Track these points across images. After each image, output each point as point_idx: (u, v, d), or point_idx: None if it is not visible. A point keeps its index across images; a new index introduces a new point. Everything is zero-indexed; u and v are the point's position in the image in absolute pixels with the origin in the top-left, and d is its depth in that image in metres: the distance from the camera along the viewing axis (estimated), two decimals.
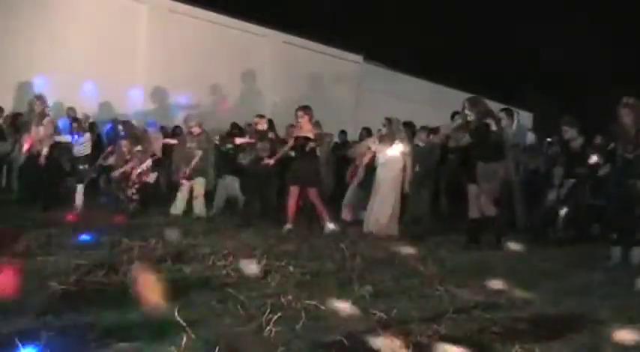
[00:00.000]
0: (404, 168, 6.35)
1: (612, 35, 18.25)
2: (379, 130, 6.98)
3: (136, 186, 7.38)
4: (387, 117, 6.59)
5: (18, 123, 8.85)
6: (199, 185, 7.48)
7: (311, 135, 6.56)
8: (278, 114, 10.49)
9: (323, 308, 3.31)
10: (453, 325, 3.16)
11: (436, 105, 14.08)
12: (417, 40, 17.87)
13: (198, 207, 7.43)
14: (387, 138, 6.36)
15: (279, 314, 3.11)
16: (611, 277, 4.50)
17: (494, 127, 5.66)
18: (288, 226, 6.45)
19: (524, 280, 4.24)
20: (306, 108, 6.66)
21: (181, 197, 7.48)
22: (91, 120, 9.75)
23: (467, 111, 5.72)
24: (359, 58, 16.10)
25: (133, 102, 11.85)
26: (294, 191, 6.57)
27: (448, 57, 18.57)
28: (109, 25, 11.29)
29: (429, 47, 18.07)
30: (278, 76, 13.98)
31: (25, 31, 10.20)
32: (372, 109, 14.80)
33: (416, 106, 13.10)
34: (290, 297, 3.50)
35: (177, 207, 7.43)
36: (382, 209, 6.28)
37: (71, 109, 9.58)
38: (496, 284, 4.05)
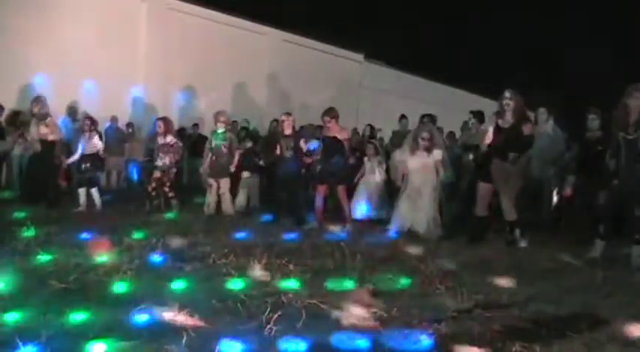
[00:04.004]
0: (437, 172, 6.34)
1: (613, 31, 18.23)
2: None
3: (169, 183, 7.41)
4: (428, 128, 6.57)
5: (17, 122, 8.85)
6: (225, 183, 7.48)
7: (339, 136, 6.67)
8: (278, 112, 10.49)
9: (324, 306, 3.31)
10: (454, 324, 3.15)
11: (437, 103, 14.09)
12: (418, 38, 17.85)
13: (226, 204, 7.44)
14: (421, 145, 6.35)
15: (279, 312, 3.11)
16: (612, 276, 4.49)
17: (527, 130, 5.62)
18: (315, 224, 6.57)
19: (524, 279, 4.24)
20: (331, 112, 6.75)
21: (211, 196, 7.49)
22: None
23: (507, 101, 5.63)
24: (360, 56, 16.09)
25: (133, 100, 11.86)
26: (321, 190, 6.69)
27: (449, 55, 18.55)
28: (108, 23, 11.28)
29: (430, 46, 18.04)
30: (278, 74, 13.98)
31: (25, 29, 10.20)
32: (373, 108, 14.82)
33: (417, 104, 13.09)
34: (290, 295, 3.50)
35: (210, 207, 7.45)
36: (430, 213, 6.24)
37: (72, 108, 9.58)
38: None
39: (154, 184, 7.38)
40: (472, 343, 2.88)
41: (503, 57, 18.83)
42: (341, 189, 6.69)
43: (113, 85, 10.98)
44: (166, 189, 7.40)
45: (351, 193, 7.40)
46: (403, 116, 9.47)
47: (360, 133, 10.31)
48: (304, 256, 4.75)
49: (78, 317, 3.00)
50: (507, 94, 5.65)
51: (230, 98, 12.92)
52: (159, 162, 7.43)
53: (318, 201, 6.70)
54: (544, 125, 7.02)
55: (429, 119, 7.36)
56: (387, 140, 10.54)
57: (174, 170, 7.55)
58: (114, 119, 10.77)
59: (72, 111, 9.83)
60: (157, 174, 7.42)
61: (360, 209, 7.46)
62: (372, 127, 9.65)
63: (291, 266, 4.29)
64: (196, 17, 12.72)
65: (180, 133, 10.26)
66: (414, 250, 5.22)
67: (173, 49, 12.09)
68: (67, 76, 10.09)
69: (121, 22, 11.59)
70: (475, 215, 5.92)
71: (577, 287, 4.11)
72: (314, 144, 7.64)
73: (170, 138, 7.54)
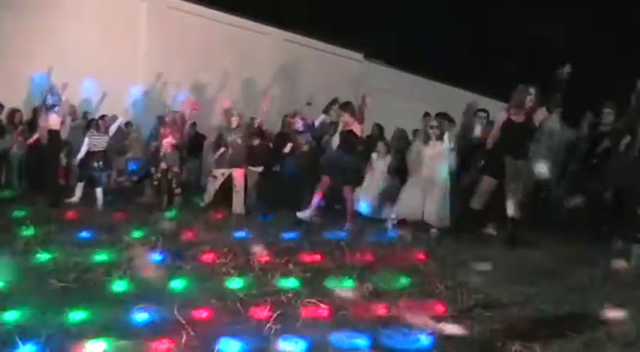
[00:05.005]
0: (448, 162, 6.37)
1: (612, 23, 18.22)
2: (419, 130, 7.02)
3: (176, 180, 7.42)
4: (436, 118, 6.60)
5: (16, 120, 8.85)
6: (240, 178, 7.47)
7: (358, 132, 6.56)
8: (278, 112, 10.49)
9: (323, 305, 3.31)
10: (454, 323, 3.15)
11: (438, 102, 14.05)
12: (419, 38, 17.84)
13: (238, 203, 7.39)
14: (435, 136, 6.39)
15: (279, 311, 3.11)
16: (612, 275, 4.49)
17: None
18: (312, 213, 6.49)
19: (524, 278, 4.23)
20: (344, 105, 6.68)
21: (212, 186, 7.51)
22: (90, 116, 9.75)
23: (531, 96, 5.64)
24: (360, 56, 16.08)
25: (133, 98, 11.84)
26: (325, 180, 6.57)
27: (450, 55, 18.53)
28: (108, 22, 11.28)
29: (431, 45, 18.03)
30: (279, 73, 13.97)
31: (25, 28, 10.20)
32: (374, 107, 14.74)
33: (417, 104, 13.07)
34: (290, 295, 3.49)
35: (209, 195, 7.46)
36: (442, 204, 6.26)
37: (72, 107, 9.56)
38: None
39: (159, 175, 7.39)
40: (473, 341, 2.88)
41: (504, 57, 18.81)
42: (347, 189, 6.63)
43: (113, 85, 10.95)
44: (174, 185, 7.41)
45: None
46: (427, 114, 9.23)
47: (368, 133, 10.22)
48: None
49: (77, 316, 3.00)
50: (533, 91, 5.66)
51: (230, 97, 12.88)
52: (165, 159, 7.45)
53: (319, 192, 6.56)
54: (555, 124, 6.98)
55: (441, 117, 7.26)
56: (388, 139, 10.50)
57: (177, 165, 7.54)
58: (114, 118, 10.75)
59: (72, 110, 9.81)
60: (163, 164, 7.42)
61: (365, 205, 7.43)
62: (380, 127, 9.56)
63: (290, 266, 4.28)
64: (197, 16, 12.71)
65: None
66: (414, 249, 5.21)
67: (173, 48, 12.08)
68: (67, 75, 10.06)
69: (121, 21, 11.58)
70: (470, 206, 5.93)
71: (577, 286, 4.11)
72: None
73: (172, 138, 7.55)
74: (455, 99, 15.79)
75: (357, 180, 6.83)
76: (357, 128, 6.58)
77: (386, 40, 16.95)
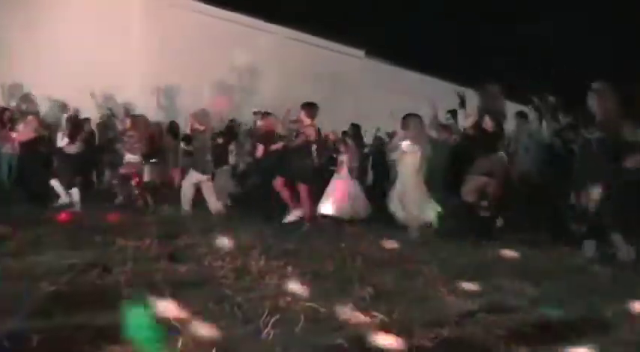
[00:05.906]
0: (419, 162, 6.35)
1: (613, 31, 18.31)
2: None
3: (134, 183, 7.28)
4: (406, 118, 6.64)
5: (5, 119, 8.74)
6: (204, 181, 7.38)
7: (311, 133, 6.53)
8: (278, 109, 10.38)
9: (322, 309, 3.24)
10: (456, 327, 3.09)
11: (439, 100, 14.02)
12: (421, 35, 17.83)
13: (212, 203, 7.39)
14: (405, 135, 6.44)
15: (277, 315, 3.04)
16: (615, 278, 4.45)
17: (488, 126, 5.86)
18: (298, 213, 6.48)
19: (528, 281, 4.18)
20: (304, 105, 6.68)
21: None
22: (85, 115, 9.66)
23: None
24: (361, 53, 16.06)
25: (128, 97, 11.75)
26: (279, 182, 6.58)
27: (450, 52, 18.54)
28: (103, 19, 11.20)
29: (433, 43, 18.00)
30: (279, 71, 13.89)
31: (20, 26, 10.12)
32: (374, 105, 14.73)
33: (417, 102, 13.03)
34: (289, 298, 3.43)
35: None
36: (413, 202, 6.25)
37: (64, 106, 9.47)
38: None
39: (117, 181, 7.33)
40: (476, 346, 2.82)
41: (506, 53, 18.84)
42: (302, 188, 6.56)
43: (110, 84, 10.87)
44: (136, 191, 7.28)
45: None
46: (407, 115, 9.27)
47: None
48: (302, 258, 4.68)
49: (70, 320, 2.93)
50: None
51: (229, 95, 12.83)
52: (126, 159, 7.37)
53: (282, 191, 6.59)
54: (531, 126, 7.04)
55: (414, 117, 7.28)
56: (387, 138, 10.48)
57: (141, 168, 7.46)
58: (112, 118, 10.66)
59: (64, 110, 9.72)
60: (122, 170, 7.34)
61: (328, 205, 7.31)
62: (356, 126, 9.63)
63: (289, 269, 4.21)
64: (195, 13, 12.63)
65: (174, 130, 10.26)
66: (415, 252, 5.16)
67: (170, 45, 11.99)
68: (61, 73, 9.99)
69: (117, 18, 11.49)
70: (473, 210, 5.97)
71: (582, 289, 4.07)
72: None
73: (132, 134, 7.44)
74: (456, 98, 15.79)
75: (310, 179, 6.70)
76: (309, 129, 6.58)
77: (387, 37, 16.94)
